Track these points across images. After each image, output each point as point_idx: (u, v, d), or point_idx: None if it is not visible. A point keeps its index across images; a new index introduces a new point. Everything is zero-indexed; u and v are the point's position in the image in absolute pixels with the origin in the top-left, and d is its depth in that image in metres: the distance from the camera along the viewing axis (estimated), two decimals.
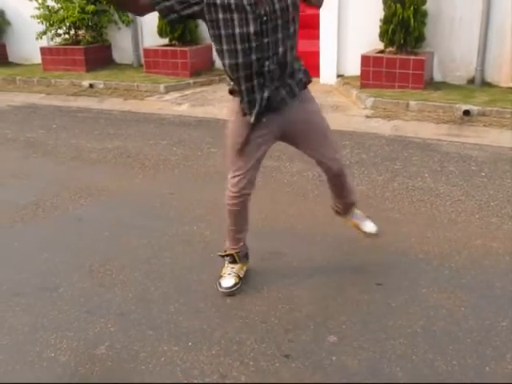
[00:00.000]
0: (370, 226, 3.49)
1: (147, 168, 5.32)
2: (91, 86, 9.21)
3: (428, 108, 6.87)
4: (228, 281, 3.18)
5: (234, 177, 3.00)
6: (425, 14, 7.73)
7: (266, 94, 2.76)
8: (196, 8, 2.63)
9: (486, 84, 7.78)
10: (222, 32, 2.65)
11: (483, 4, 7.45)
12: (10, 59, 11.87)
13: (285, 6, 2.62)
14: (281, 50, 2.70)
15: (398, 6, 7.55)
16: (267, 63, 2.69)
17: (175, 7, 2.64)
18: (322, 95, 6.23)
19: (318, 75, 8.60)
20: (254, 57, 2.67)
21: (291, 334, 2.78)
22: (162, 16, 2.69)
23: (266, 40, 2.65)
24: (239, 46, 2.65)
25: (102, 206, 4.47)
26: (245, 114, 2.84)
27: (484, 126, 6.32)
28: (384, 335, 2.75)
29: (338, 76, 8.75)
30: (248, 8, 2.58)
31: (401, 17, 7.53)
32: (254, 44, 2.64)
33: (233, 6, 2.58)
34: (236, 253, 3.23)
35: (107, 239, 3.88)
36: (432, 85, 7.86)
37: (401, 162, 5.26)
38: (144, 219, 4.18)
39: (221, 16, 2.61)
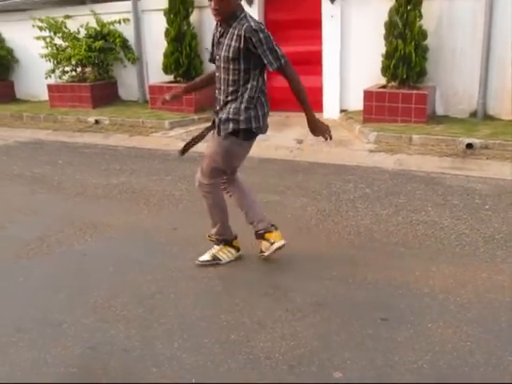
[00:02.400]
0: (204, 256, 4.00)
1: (152, 203, 5.35)
2: (97, 122, 9.33)
3: (431, 142, 6.91)
4: (205, 256, 3.96)
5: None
6: (426, 49, 7.86)
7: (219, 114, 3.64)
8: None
9: (488, 117, 7.85)
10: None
11: (483, 36, 7.57)
12: (18, 96, 12.07)
13: (226, 55, 3.45)
14: (222, 88, 3.58)
15: (400, 41, 7.69)
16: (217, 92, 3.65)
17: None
18: None
19: (321, 110, 8.68)
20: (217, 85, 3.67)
21: (296, 370, 2.76)
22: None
23: (217, 74, 3.63)
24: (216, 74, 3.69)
25: (107, 242, 4.48)
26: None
27: (487, 158, 6.36)
28: (390, 370, 2.72)
29: (341, 111, 8.86)
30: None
31: (402, 52, 7.67)
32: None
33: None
34: (213, 236, 3.98)
35: (112, 275, 3.88)
36: (434, 119, 7.94)
37: (404, 196, 5.28)
38: (149, 255, 4.19)
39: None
